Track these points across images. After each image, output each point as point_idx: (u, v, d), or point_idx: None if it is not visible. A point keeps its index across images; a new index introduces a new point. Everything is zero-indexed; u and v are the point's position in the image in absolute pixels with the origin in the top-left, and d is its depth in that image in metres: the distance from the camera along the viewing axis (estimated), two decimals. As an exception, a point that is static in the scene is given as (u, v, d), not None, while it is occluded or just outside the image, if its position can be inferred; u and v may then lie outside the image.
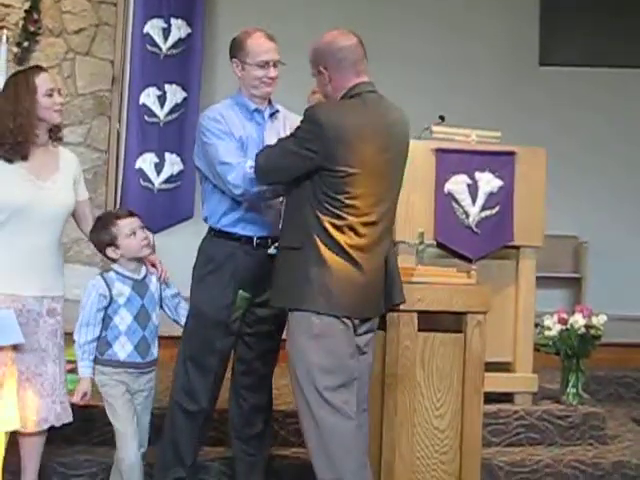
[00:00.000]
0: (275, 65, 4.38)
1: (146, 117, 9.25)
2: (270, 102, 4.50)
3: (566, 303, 9.52)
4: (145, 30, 9.45)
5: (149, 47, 9.34)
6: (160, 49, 9.33)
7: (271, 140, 4.21)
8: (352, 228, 3.79)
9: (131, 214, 4.41)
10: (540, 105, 9.69)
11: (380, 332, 4.24)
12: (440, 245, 5.35)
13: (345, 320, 3.83)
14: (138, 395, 4.36)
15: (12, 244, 4.23)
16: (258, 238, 4.37)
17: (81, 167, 4.65)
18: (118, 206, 9.27)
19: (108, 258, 4.38)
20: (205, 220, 4.48)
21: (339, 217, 3.78)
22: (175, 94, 9.43)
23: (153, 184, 8.63)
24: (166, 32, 9.49)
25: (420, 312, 4.24)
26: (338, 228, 3.78)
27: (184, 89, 9.40)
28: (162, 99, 9.34)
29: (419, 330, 4.28)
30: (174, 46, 9.48)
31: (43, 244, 4.31)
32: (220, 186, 4.31)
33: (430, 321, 4.33)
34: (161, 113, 9.29)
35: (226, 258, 4.36)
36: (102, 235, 4.33)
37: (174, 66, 9.39)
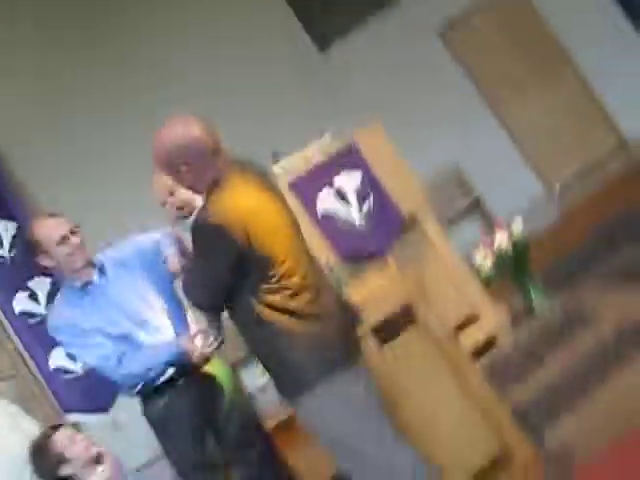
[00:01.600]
0: (73, 232, 4.35)
1: (30, 320, 9.12)
2: (93, 264, 4.44)
3: (482, 224, 9.65)
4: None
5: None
6: (2, 256, 9.19)
7: (122, 288, 4.36)
8: (293, 294, 3.72)
9: (59, 427, 4.27)
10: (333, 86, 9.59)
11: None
12: (349, 261, 5.34)
13: (345, 367, 3.75)
14: None
15: None
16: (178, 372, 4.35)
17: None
18: (60, 410, 9.11)
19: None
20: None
21: (276, 292, 3.69)
22: (41, 285, 9.30)
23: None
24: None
25: (373, 330, 4.21)
26: (289, 298, 3.70)
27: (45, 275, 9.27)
28: (33, 296, 9.22)
29: (383, 343, 4.26)
30: (12, 246, 9.35)
31: None
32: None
33: (388, 328, 4.32)
34: (39, 307, 9.17)
35: (167, 408, 4.35)
36: (47, 462, 4.13)
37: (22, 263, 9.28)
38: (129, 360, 4.28)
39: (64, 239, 4.32)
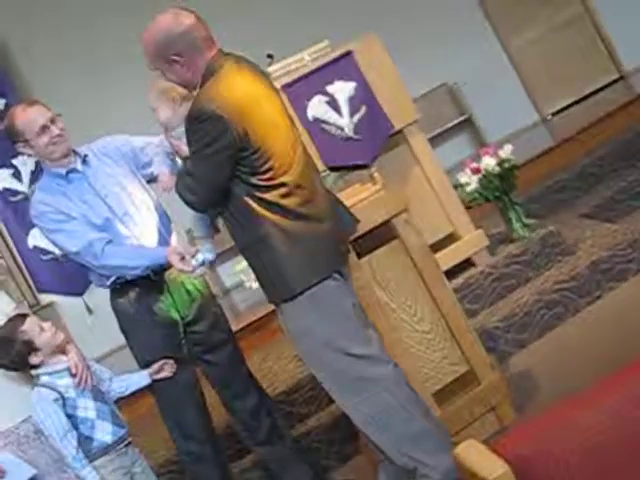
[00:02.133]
0: (53, 122, 4.27)
1: (10, 197, 9.12)
2: (75, 152, 4.39)
3: (471, 146, 9.65)
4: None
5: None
6: None
7: (106, 179, 4.32)
8: (287, 192, 3.65)
9: (25, 315, 4.24)
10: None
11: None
12: (334, 169, 5.31)
13: (335, 275, 3.71)
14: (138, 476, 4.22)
15: None
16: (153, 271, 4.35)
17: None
18: (34, 289, 9.16)
19: (32, 367, 4.13)
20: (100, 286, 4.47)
21: (270, 189, 3.62)
22: (25, 163, 9.28)
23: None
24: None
25: (352, 241, 4.20)
26: (284, 196, 3.63)
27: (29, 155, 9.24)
28: (16, 174, 9.20)
29: (359, 257, 4.26)
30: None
31: None
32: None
33: (367, 241, 4.32)
34: (22, 186, 9.15)
35: (134, 304, 4.35)
36: (16, 349, 4.09)
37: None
38: (112, 252, 4.25)
39: (44, 129, 4.23)
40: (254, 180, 3.61)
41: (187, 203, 3.73)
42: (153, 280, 4.33)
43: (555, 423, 2.37)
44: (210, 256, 4.10)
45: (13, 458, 4.09)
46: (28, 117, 4.24)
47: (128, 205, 4.37)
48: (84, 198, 4.31)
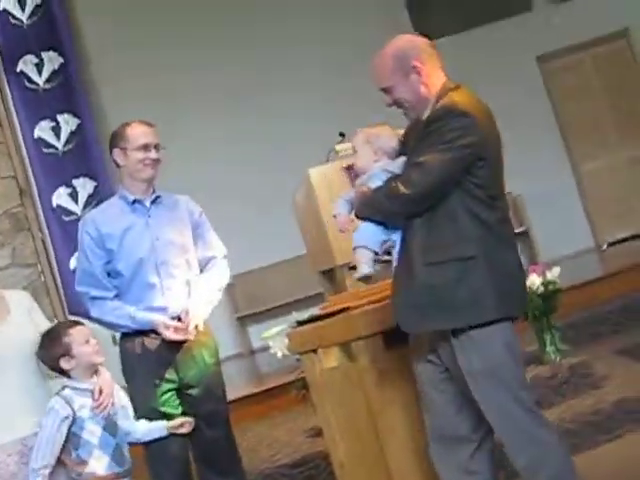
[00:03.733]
0: (156, 148, 4.46)
1: (63, 216, 9.25)
2: (153, 190, 4.54)
3: (523, 258, 9.63)
4: (36, 135, 9.45)
5: (44, 149, 9.34)
6: (56, 148, 9.33)
7: (158, 227, 4.42)
8: (505, 219, 3.65)
9: (79, 323, 4.32)
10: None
11: (351, 364, 4.23)
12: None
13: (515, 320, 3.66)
14: None
15: None
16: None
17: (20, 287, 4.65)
18: (67, 311, 9.23)
19: (61, 372, 4.19)
20: None
21: (490, 208, 3.58)
22: (85, 186, 9.42)
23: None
24: (56, 129, 9.49)
25: (383, 333, 4.18)
26: (500, 222, 3.61)
27: (92, 179, 9.40)
28: (74, 194, 9.34)
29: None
30: (68, 141, 9.48)
31: None
32: None
33: (395, 337, 4.29)
34: (77, 208, 9.28)
35: (140, 350, 4.44)
36: (54, 347, 4.16)
37: (73, 160, 9.41)
38: (101, 307, 4.45)
39: (146, 147, 4.44)
40: (479, 193, 3.56)
41: (394, 202, 3.59)
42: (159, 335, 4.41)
43: None
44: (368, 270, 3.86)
45: None
46: (139, 130, 4.46)
47: (172, 257, 4.45)
48: (135, 231, 4.42)
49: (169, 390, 4.43)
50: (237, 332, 11.07)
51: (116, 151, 4.48)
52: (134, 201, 4.48)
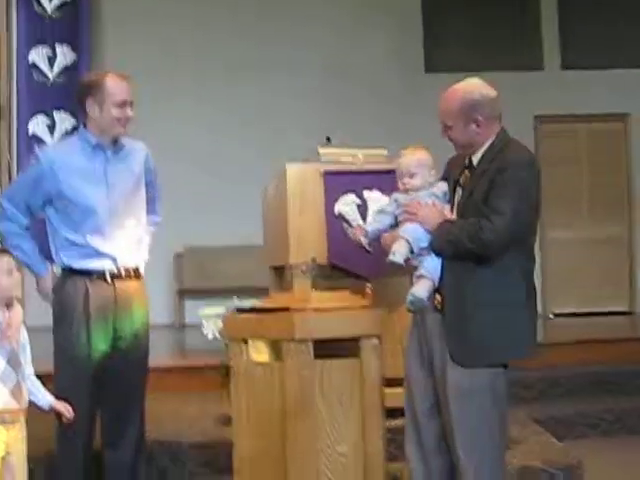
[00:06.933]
0: (131, 105, 4.44)
1: (36, 146, 9.21)
2: (116, 141, 4.52)
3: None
4: (30, 60, 9.40)
5: (35, 76, 9.30)
6: (47, 77, 9.28)
7: (115, 174, 4.42)
8: (532, 257, 4.00)
9: (7, 252, 4.27)
10: (428, 111, 9.79)
11: (277, 362, 4.27)
12: (334, 266, 5.34)
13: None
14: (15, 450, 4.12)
15: None
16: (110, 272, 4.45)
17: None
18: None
19: None
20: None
21: (530, 252, 3.97)
22: (64, 121, 9.39)
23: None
24: (52, 59, 9.45)
25: (315, 340, 4.25)
26: (530, 260, 3.97)
27: (72, 116, 9.37)
28: (51, 126, 9.30)
29: (316, 357, 4.30)
30: (61, 73, 9.43)
31: None
32: None
33: (328, 346, 4.36)
34: (50, 140, 9.24)
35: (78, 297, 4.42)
36: None
37: (60, 93, 9.36)
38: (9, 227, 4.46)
39: (124, 104, 4.41)
40: (529, 241, 3.95)
41: (477, 244, 3.82)
42: (107, 282, 4.42)
43: None
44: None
45: None
46: (119, 85, 4.42)
47: (124, 208, 4.48)
48: (92, 176, 4.42)
49: (101, 339, 4.43)
50: (174, 303, 11.07)
51: (90, 101, 4.42)
52: (96, 145, 4.45)
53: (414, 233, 3.99)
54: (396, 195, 4.23)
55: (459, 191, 4.03)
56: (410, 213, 4.03)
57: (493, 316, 3.84)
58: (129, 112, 4.43)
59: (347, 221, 5.35)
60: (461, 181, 4.03)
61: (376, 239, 4.28)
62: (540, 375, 7.24)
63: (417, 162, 4.17)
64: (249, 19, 10.94)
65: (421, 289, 3.97)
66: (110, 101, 4.38)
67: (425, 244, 3.97)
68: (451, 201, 4.03)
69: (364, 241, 4.29)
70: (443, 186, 4.09)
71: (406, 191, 4.16)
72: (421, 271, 3.98)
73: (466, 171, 4.03)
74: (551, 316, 9.99)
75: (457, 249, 3.87)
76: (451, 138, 4.06)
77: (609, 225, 11.05)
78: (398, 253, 3.97)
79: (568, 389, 7.26)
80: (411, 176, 4.15)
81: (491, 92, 4.00)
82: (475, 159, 4.01)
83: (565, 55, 11.42)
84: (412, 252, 3.98)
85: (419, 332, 4.13)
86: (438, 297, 3.99)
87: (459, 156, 4.14)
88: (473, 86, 4.01)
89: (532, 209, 3.88)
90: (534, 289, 3.96)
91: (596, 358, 7.69)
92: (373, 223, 4.33)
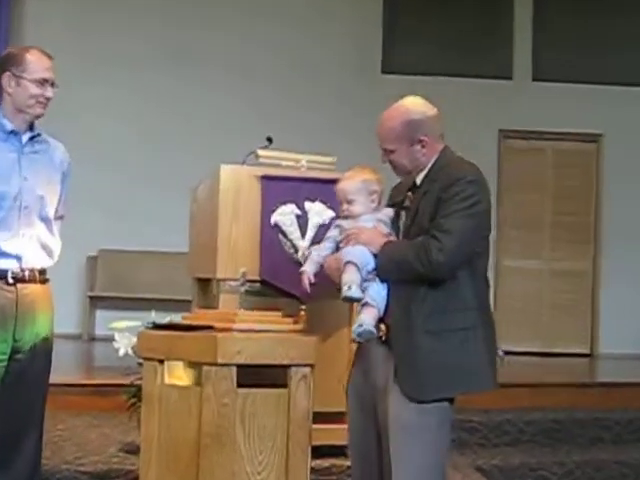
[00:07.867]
0: (53, 85, 4.44)
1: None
2: (32, 126, 4.51)
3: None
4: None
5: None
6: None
7: (30, 167, 4.38)
8: (487, 287, 4.08)
9: None
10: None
11: (195, 387, 4.24)
12: (266, 283, 5.33)
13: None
14: None
15: None
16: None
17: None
18: None
19: None
20: None
21: (483, 277, 4.04)
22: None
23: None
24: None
25: (239, 366, 4.22)
26: (487, 289, 4.06)
27: None
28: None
29: (239, 386, 4.26)
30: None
31: None
32: None
33: (252, 373, 4.33)
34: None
35: None
36: None
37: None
38: None
39: (44, 83, 4.42)
40: (480, 263, 4.01)
41: (426, 267, 3.85)
42: (8, 284, 4.37)
43: None
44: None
45: None
46: (42, 62, 4.43)
47: (35, 204, 4.43)
48: (4, 164, 4.38)
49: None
50: (84, 311, 10.97)
51: (7, 75, 4.41)
52: (11, 131, 4.43)
53: (362, 256, 3.99)
54: (339, 221, 4.26)
55: (403, 215, 4.11)
56: (353, 235, 4.04)
57: (444, 345, 3.88)
58: (49, 92, 4.43)
59: (284, 233, 5.35)
60: (405, 204, 4.11)
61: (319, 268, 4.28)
62: (486, 418, 7.25)
63: (354, 188, 4.20)
64: (186, 11, 10.94)
65: (369, 318, 3.96)
66: (30, 77, 4.38)
67: (372, 266, 3.98)
68: (396, 226, 4.11)
69: (307, 284, 4.29)
70: (389, 212, 4.16)
71: (346, 218, 4.20)
72: (367, 299, 3.98)
73: (409, 193, 4.11)
74: (500, 353, 10.01)
75: (404, 270, 3.91)
76: (394, 163, 4.12)
77: (572, 256, 11.13)
78: (354, 285, 3.97)
79: (515, 437, 7.27)
80: (349, 202, 4.19)
81: (432, 110, 4.10)
82: (418, 180, 4.09)
83: (537, 65, 11.46)
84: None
85: (363, 365, 4.14)
86: (383, 327, 4.00)
87: (403, 182, 4.23)
88: (413, 105, 4.12)
89: (481, 227, 3.96)
90: (490, 314, 4.04)
91: (549, 404, 7.74)
92: (315, 256, 4.31)
